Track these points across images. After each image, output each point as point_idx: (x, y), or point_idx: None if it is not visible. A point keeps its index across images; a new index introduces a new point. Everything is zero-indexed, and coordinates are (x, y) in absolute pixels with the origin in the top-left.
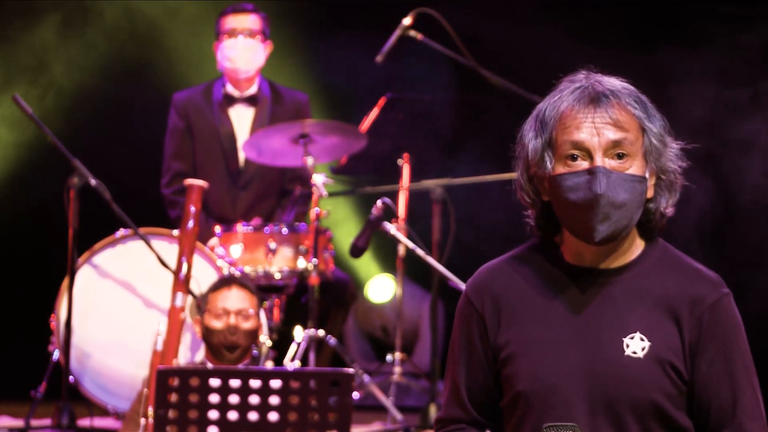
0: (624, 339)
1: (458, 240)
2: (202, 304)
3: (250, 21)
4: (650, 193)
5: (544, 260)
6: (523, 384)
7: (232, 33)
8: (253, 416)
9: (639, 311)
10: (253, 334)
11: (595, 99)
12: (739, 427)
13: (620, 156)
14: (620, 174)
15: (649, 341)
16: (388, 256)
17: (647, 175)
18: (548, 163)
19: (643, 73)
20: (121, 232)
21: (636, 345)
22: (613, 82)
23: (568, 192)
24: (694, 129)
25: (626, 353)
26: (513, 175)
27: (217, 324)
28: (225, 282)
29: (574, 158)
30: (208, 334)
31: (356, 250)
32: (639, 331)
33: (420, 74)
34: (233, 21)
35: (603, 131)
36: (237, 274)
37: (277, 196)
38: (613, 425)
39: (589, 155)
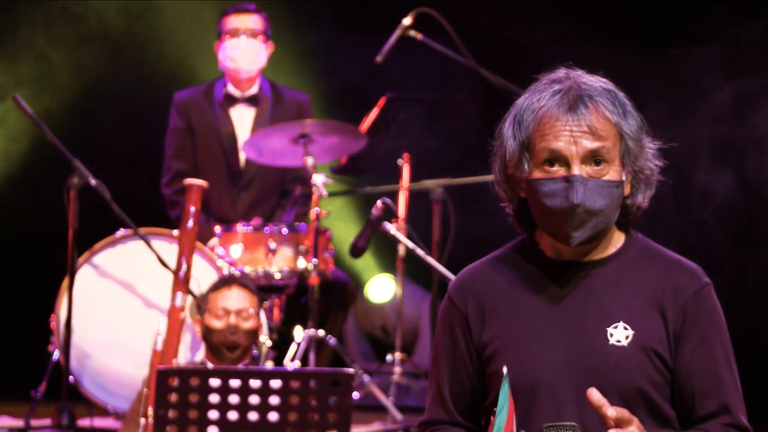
0: (607, 328)
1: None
2: (202, 304)
3: (252, 21)
4: (627, 191)
5: (525, 257)
6: (509, 378)
7: (235, 33)
8: (253, 416)
9: (621, 301)
10: (253, 333)
11: (574, 105)
12: (725, 410)
13: (597, 162)
14: (597, 181)
15: (632, 330)
16: (388, 256)
17: (624, 178)
18: (525, 166)
19: (644, 73)
20: (121, 232)
21: (620, 334)
22: (593, 84)
23: (545, 197)
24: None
25: (610, 342)
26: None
27: (217, 324)
28: (225, 282)
29: (551, 164)
30: (208, 334)
31: (356, 250)
32: (622, 320)
33: (424, 73)
34: (236, 21)
35: (580, 140)
36: (237, 274)
37: (277, 197)
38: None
39: (566, 163)
